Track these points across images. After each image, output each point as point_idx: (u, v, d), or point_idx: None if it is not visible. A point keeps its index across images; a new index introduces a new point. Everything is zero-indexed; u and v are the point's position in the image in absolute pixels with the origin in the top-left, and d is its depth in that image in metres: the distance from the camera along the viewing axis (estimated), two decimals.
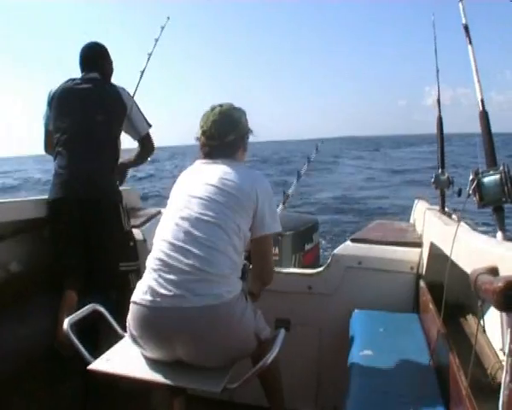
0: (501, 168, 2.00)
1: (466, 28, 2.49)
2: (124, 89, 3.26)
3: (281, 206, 4.99)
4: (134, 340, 2.13)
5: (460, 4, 2.60)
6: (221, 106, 2.40)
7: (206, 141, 2.35)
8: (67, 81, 3.12)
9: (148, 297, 2.03)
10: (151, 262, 2.13)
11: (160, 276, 2.04)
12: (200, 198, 2.16)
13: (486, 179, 2.01)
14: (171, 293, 1.99)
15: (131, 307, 2.10)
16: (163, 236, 2.16)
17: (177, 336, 1.99)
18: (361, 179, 28.36)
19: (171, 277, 2.01)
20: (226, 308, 2.02)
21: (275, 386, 2.46)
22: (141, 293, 2.07)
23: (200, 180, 2.24)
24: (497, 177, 1.98)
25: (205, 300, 1.98)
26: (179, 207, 2.19)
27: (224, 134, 2.33)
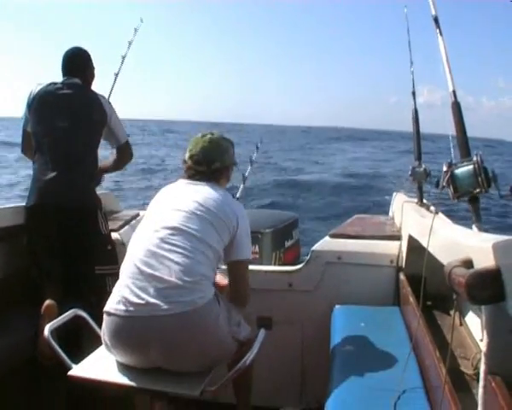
0: (474, 159, 1.99)
1: (436, 20, 2.49)
2: (104, 97, 3.24)
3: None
4: (108, 349, 2.12)
5: None
6: (212, 134, 2.50)
7: (192, 165, 2.42)
8: (49, 84, 3.07)
9: (121, 307, 2.02)
10: (125, 270, 2.14)
11: (133, 283, 2.05)
12: (182, 211, 2.20)
13: (459, 171, 2.00)
14: (143, 301, 1.99)
15: (105, 317, 2.09)
16: (139, 243, 2.19)
17: (152, 344, 1.98)
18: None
19: (144, 284, 2.02)
20: (199, 314, 2.02)
21: (246, 384, 2.48)
22: (114, 303, 2.07)
23: (184, 196, 2.29)
24: (471, 167, 1.97)
25: (178, 307, 1.98)
26: (158, 219, 2.23)
27: (210, 161, 2.41)
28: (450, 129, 2.27)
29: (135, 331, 2.00)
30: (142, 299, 1.99)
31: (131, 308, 2.00)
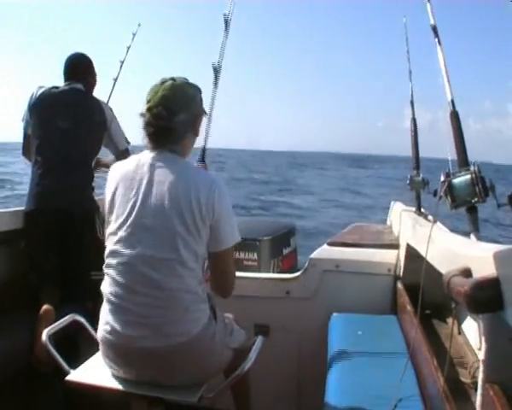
0: (472, 168, 2.00)
1: (434, 29, 2.51)
2: (105, 103, 3.24)
3: None
4: (106, 362, 2.06)
5: (428, 5, 2.62)
6: (174, 79, 2.04)
7: (151, 119, 1.98)
8: (52, 88, 3.07)
9: (113, 338, 1.93)
10: (110, 298, 1.98)
11: (121, 311, 1.93)
12: (154, 229, 1.91)
13: (457, 180, 2.01)
14: (135, 334, 1.89)
15: (99, 337, 2.02)
16: (117, 260, 1.98)
17: (147, 369, 1.93)
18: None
19: (131, 318, 1.91)
20: (194, 342, 1.93)
21: (245, 391, 2.42)
22: (105, 332, 1.97)
23: (152, 195, 1.94)
24: (468, 177, 1.98)
25: (172, 339, 1.89)
26: (132, 225, 1.94)
27: (173, 113, 1.98)
28: (448, 138, 2.28)
29: (129, 359, 1.93)
30: (135, 331, 1.89)
31: (125, 340, 1.91)
